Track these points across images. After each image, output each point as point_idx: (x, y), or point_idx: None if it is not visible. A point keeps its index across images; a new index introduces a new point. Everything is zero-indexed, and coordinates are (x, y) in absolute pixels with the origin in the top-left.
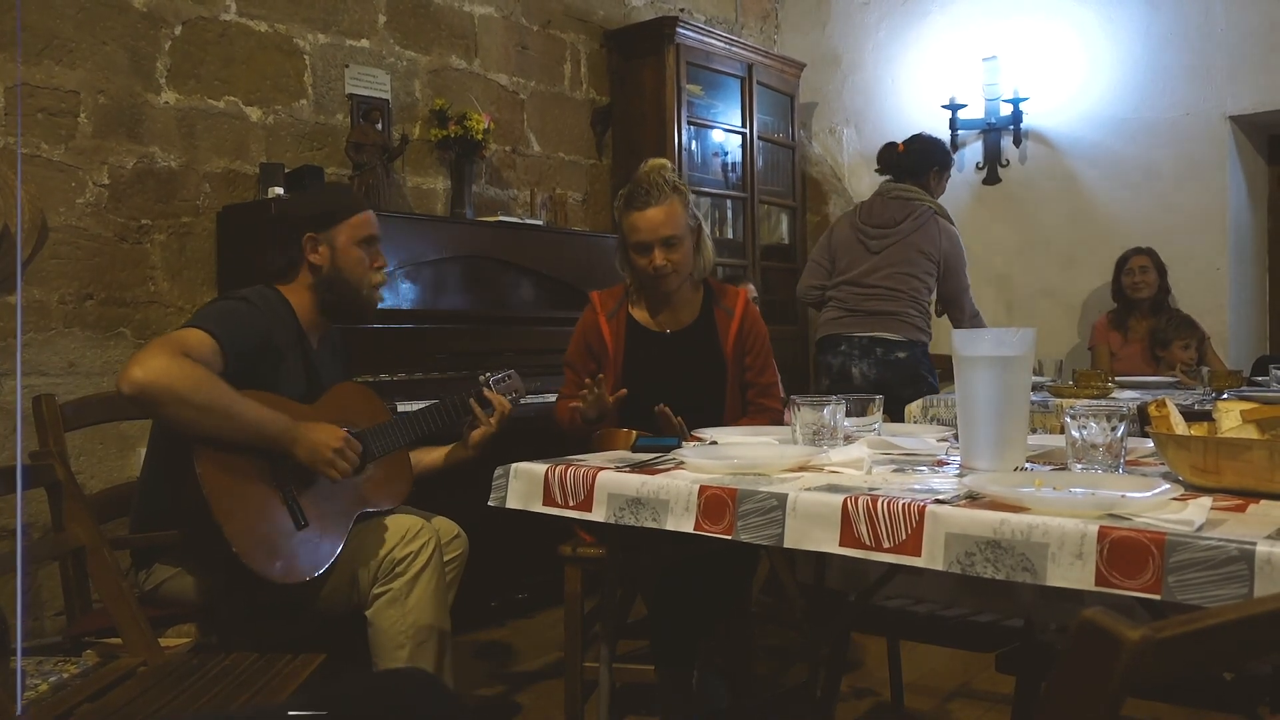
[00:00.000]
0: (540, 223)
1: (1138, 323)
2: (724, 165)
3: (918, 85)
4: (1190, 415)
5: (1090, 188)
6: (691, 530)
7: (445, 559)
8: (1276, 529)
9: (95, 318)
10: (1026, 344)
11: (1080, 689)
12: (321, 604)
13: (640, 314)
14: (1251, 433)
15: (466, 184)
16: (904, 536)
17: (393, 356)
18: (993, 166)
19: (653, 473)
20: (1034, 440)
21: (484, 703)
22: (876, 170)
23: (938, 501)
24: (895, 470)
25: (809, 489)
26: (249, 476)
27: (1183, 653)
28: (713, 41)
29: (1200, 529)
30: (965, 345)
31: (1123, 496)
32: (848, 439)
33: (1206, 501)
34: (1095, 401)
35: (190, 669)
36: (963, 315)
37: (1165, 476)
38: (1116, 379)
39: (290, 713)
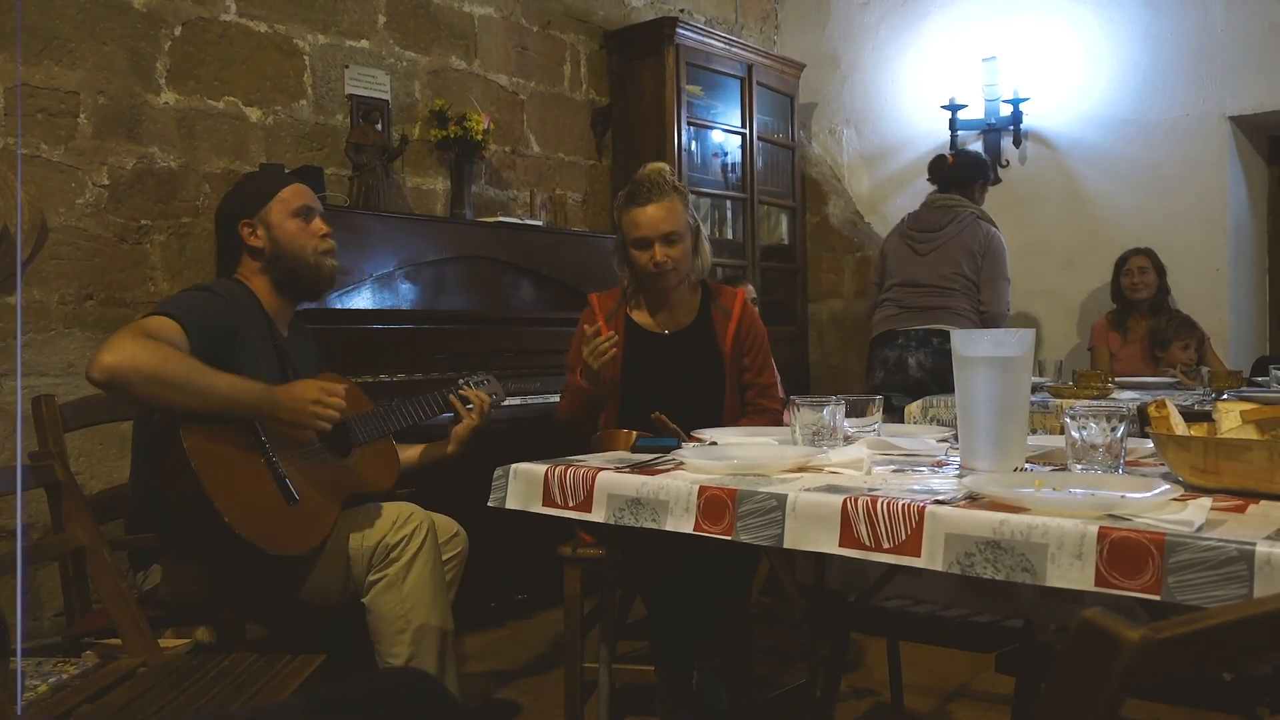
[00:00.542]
0: (540, 223)
1: (1137, 323)
2: (724, 166)
3: (917, 86)
4: (1190, 416)
5: (1090, 188)
6: (691, 531)
7: (445, 558)
8: (1276, 529)
9: (95, 318)
10: (1026, 345)
11: (1080, 689)
12: (318, 595)
13: (639, 315)
14: (1251, 433)
15: (466, 184)
16: (904, 537)
17: (392, 357)
18: (992, 167)
19: (652, 473)
20: (1034, 441)
21: (484, 703)
22: (927, 179)
23: (937, 502)
24: (895, 471)
25: (809, 489)
26: (237, 455)
27: (1182, 653)
28: (712, 42)
29: (1200, 529)
30: (965, 346)
31: (1122, 497)
32: (847, 440)
33: (1206, 502)
34: (1095, 402)
35: (190, 669)
36: (997, 305)
37: (1165, 477)
38: (1116, 380)
39: None
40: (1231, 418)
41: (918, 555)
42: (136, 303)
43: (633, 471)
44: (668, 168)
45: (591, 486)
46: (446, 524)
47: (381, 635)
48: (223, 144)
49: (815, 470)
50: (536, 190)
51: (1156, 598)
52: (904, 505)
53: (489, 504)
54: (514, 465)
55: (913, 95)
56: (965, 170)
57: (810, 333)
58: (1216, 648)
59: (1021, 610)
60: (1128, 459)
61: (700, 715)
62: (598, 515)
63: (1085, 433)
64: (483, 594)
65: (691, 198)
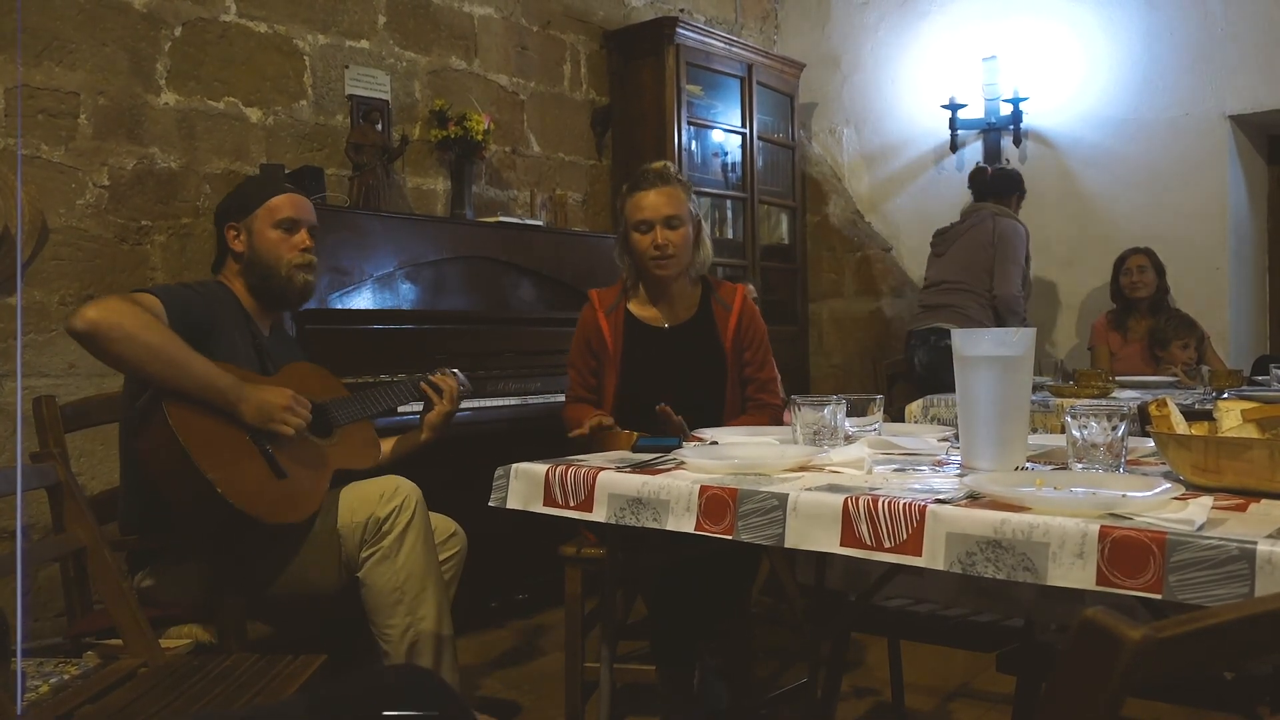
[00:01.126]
0: (540, 223)
1: (1137, 323)
2: (724, 165)
3: (917, 85)
4: (1191, 415)
5: (1090, 187)
6: (692, 530)
7: (443, 558)
8: (1277, 528)
9: None
10: (1026, 344)
11: (1081, 688)
12: (315, 579)
13: (639, 309)
14: (1252, 432)
15: (466, 184)
16: (904, 536)
17: (392, 357)
18: (993, 166)
19: (653, 473)
20: (1034, 440)
21: (485, 703)
22: (969, 189)
23: (938, 501)
24: (896, 470)
25: (810, 489)
26: (224, 432)
27: (1183, 652)
28: (712, 42)
29: (1201, 528)
30: (966, 345)
31: (1124, 496)
32: (848, 439)
33: (1207, 501)
34: (1096, 401)
35: (191, 670)
36: (1006, 288)
37: (1166, 476)
38: (1116, 379)
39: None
40: (1232, 417)
41: (919, 555)
42: None
43: (634, 471)
44: (672, 164)
45: (592, 486)
46: (444, 523)
47: (378, 608)
48: (223, 144)
49: (816, 470)
50: (536, 190)
51: (1158, 597)
52: (905, 504)
53: (490, 504)
54: (515, 465)
55: (913, 95)
56: (1002, 180)
57: (811, 332)
58: (1218, 647)
59: (1023, 610)
60: (1129, 458)
61: (701, 715)
62: (599, 515)
63: (1086, 432)
64: (483, 594)
65: (693, 195)
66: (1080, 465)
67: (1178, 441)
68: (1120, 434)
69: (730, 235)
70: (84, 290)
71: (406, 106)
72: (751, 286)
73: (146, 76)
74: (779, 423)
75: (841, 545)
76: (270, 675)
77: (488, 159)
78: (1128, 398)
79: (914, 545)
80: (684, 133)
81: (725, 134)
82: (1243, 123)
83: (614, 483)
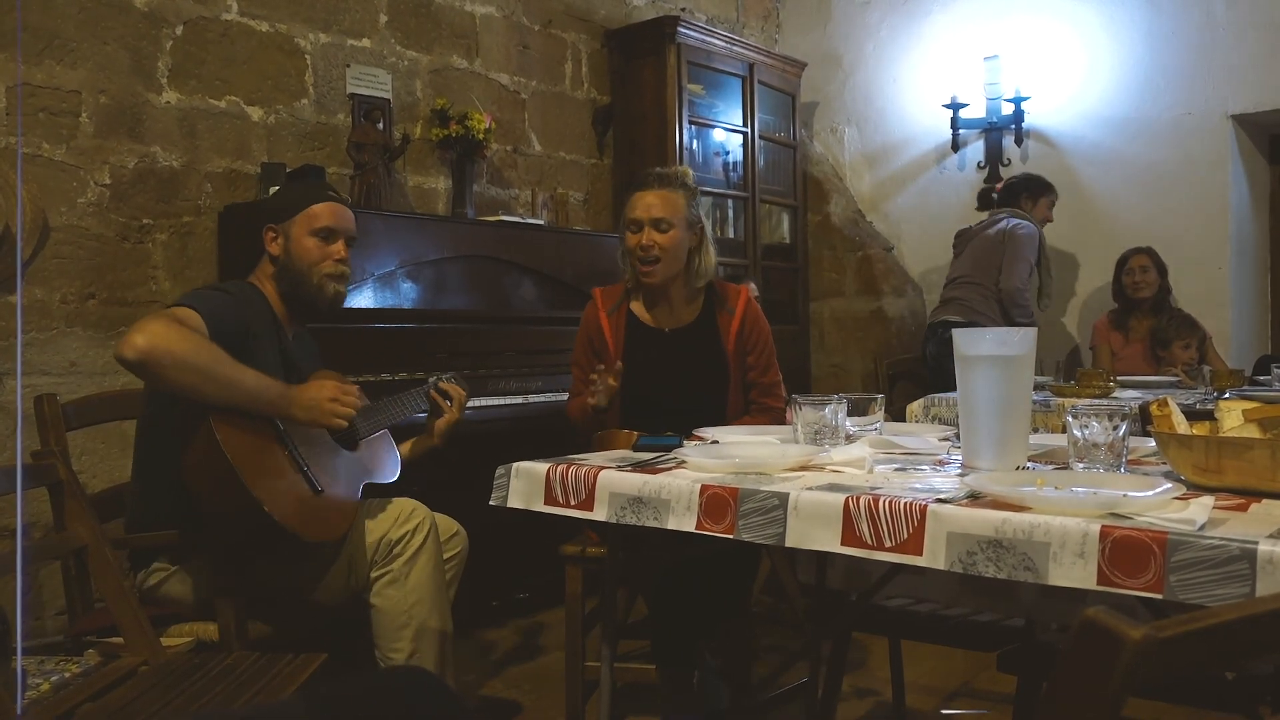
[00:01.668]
0: (541, 222)
1: (1139, 322)
2: (725, 165)
3: (919, 84)
4: (1192, 414)
5: (1091, 187)
6: (693, 529)
7: (445, 557)
8: (1278, 528)
9: (97, 317)
10: (1028, 344)
11: (1082, 688)
12: (322, 591)
13: (641, 311)
14: (1253, 432)
15: (468, 183)
16: (905, 536)
17: (394, 356)
18: (994, 166)
19: (654, 472)
20: (1035, 440)
21: (485, 703)
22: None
23: (939, 501)
24: (897, 470)
25: (810, 488)
26: (264, 446)
27: (1184, 652)
28: (714, 41)
29: (1202, 528)
30: (967, 345)
31: (1125, 496)
32: (849, 438)
33: (1208, 501)
34: (1097, 401)
35: (192, 668)
36: (1010, 281)
37: (1167, 476)
38: (1118, 379)
39: None
40: (1233, 416)
41: (919, 554)
42: (138, 302)
43: (634, 470)
44: (690, 171)
45: (593, 485)
46: (447, 524)
47: (384, 631)
48: (224, 143)
49: (817, 469)
50: (538, 189)
51: (1159, 596)
52: (906, 504)
53: (491, 503)
54: (516, 464)
55: (914, 94)
56: (1007, 190)
57: (812, 332)
58: (1219, 646)
59: (1023, 609)
60: (1130, 458)
61: (701, 715)
62: (599, 514)
63: (1087, 431)
64: (484, 593)
65: (702, 200)
66: (1081, 465)
67: (1179, 441)
68: (1121, 434)
69: (731, 234)
70: (85, 289)
71: (408, 105)
72: (753, 285)
73: (148, 75)
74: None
75: (842, 545)
76: (270, 674)
77: (489, 158)
78: (1129, 397)
79: (915, 545)
80: (685, 132)
81: (726, 133)
82: (1245, 122)
83: (615, 482)
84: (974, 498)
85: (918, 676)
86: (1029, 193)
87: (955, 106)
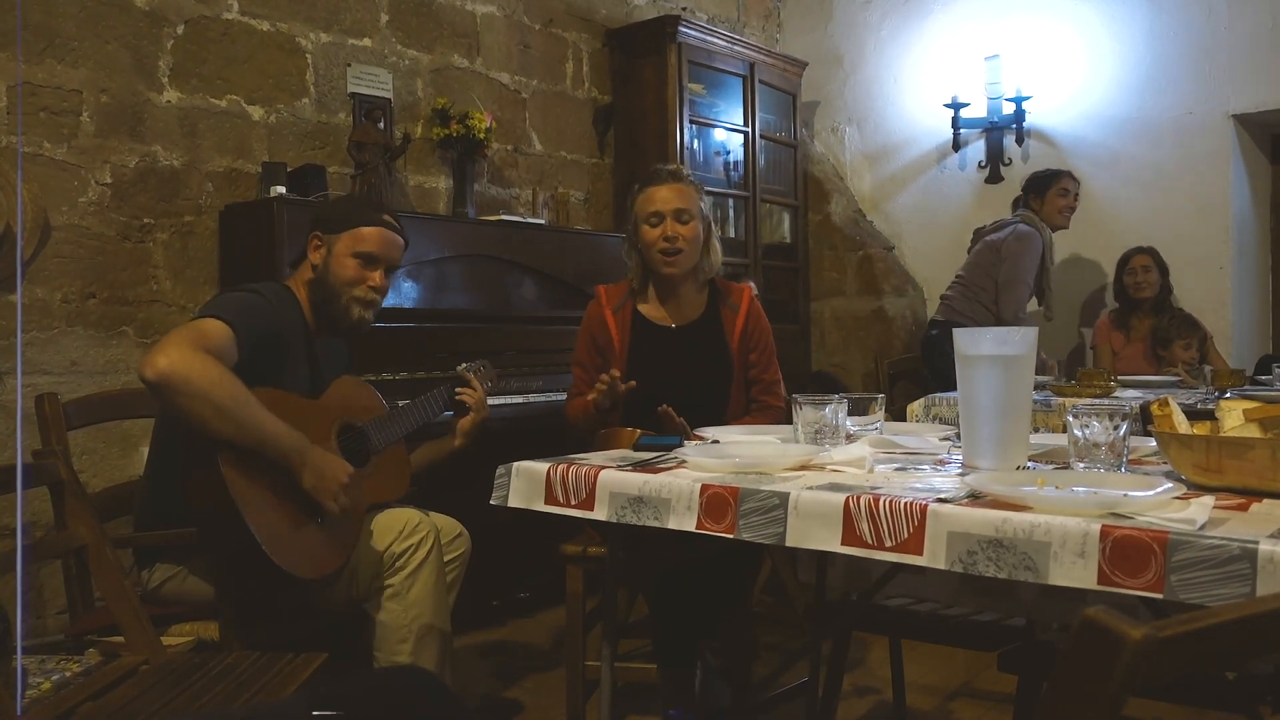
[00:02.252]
0: (542, 222)
1: (1140, 322)
2: (726, 164)
3: (920, 84)
4: (1193, 414)
5: (1093, 186)
6: (693, 529)
7: (447, 558)
8: (1279, 528)
9: (98, 317)
10: (1028, 343)
11: (1082, 688)
12: (322, 600)
13: (646, 308)
14: (1254, 432)
15: (468, 183)
16: (906, 535)
17: (395, 356)
18: (995, 165)
19: (654, 471)
20: (1036, 439)
21: (486, 702)
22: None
23: (940, 500)
24: (897, 469)
25: (811, 488)
26: (270, 473)
27: (1185, 652)
28: (714, 40)
29: (1203, 528)
30: (967, 344)
31: (1125, 495)
32: (849, 438)
33: (1209, 500)
34: (1098, 400)
35: (192, 667)
36: (1007, 301)
37: (1168, 475)
38: (1119, 378)
39: (315, 712)
40: (1234, 416)
41: (920, 554)
42: (139, 301)
43: (635, 470)
44: (685, 167)
45: (594, 485)
46: (450, 524)
47: (384, 643)
48: (225, 142)
49: (817, 469)
50: (539, 189)
51: (1159, 596)
52: (906, 503)
53: (491, 502)
54: (516, 463)
55: (915, 93)
56: (1019, 197)
57: (812, 331)
58: (1219, 646)
59: (1024, 609)
60: (1130, 457)
61: (702, 714)
62: (600, 513)
63: (1088, 431)
64: (485, 592)
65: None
66: (1082, 464)
67: (1180, 441)
68: (1122, 433)
69: (732, 234)
70: (86, 288)
71: (408, 105)
72: (753, 285)
73: (149, 74)
74: (781, 424)
75: (842, 544)
76: (271, 673)
77: (490, 157)
78: (1130, 397)
79: (915, 544)
80: (686, 131)
81: (727, 132)
82: (1246, 122)
83: (615, 481)
84: (974, 497)
85: (918, 676)
86: (1034, 191)
87: (956, 106)
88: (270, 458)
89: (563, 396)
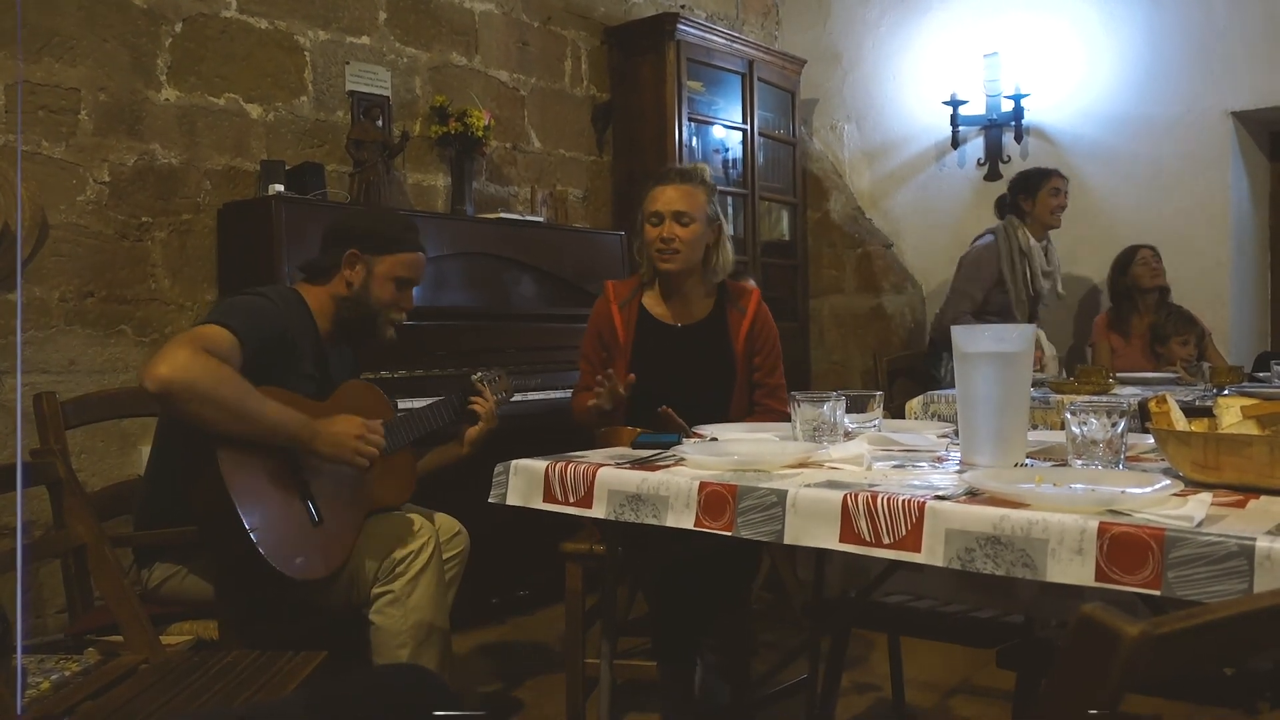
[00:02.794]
0: (541, 219)
1: (1138, 319)
2: (724, 162)
3: (919, 81)
4: (1191, 411)
5: (1091, 184)
6: (692, 527)
7: (446, 556)
8: (1276, 525)
9: (96, 315)
10: (1026, 340)
11: (1079, 685)
12: (321, 601)
13: (653, 305)
14: (1252, 429)
15: (467, 181)
16: (904, 532)
17: (394, 354)
18: (994, 163)
19: (653, 469)
20: (1034, 436)
21: (485, 700)
22: None
23: (938, 497)
24: (895, 466)
25: (809, 485)
26: (269, 474)
27: (1182, 648)
28: (713, 38)
29: (1200, 525)
30: (966, 342)
31: (1123, 492)
32: (848, 435)
33: (1206, 497)
34: (1096, 397)
35: (192, 666)
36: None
37: (1166, 472)
38: (1117, 375)
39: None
40: (1232, 413)
41: (918, 551)
42: (137, 300)
43: (633, 467)
44: (708, 168)
45: (592, 482)
46: (449, 523)
47: (382, 648)
48: (224, 141)
49: (815, 466)
50: (537, 186)
51: (1157, 593)
52: (904, 501)
53: (489, 500)
54: (514, 461)
55: (914, 91)
56: (999, 203)
57: (811, 329)
58: (1216, 643)
59: (1022, 606)
60: (1128, 454)
61: (701, 711)
62: (598, 511)
63: (1086, 428)
64: (484, 590)
65: (718, 197)
66: (1080, 462)
67: (1177, 438)
68: (1120, 430)
69: (731, 232)
70: (84, 287)
71: (407, 103)
72: (752, 283)
73: (147, 72)
74: None
75: (841, 541)
76: (270, 672)
77: (488, 155)
78: (1128, 394)
79: (913, 541)
80: (685, 129)
81: (726, 130)
82: (1245, 119)
83: (613, 479)
84: (972, 494)
85: (917, 673)
86: (1023, 192)
87: (955, 103)
88: (282, 445)
89: (562, 394)
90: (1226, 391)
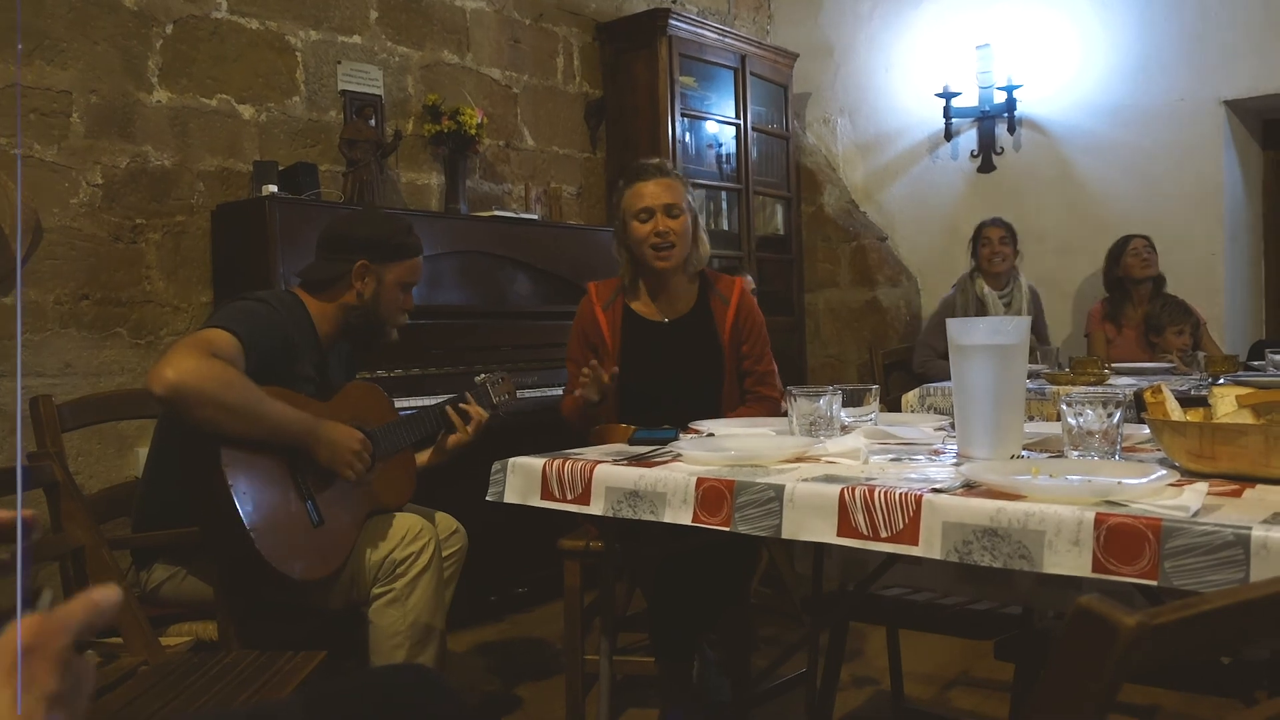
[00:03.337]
0: (535, 217)
1: (1133, 310)
2: (718, 157)
3: (911, 74)
4: (1186, 401)
5: (1085, 174)
6: (689, 522)
7: (444, 554)
8: (1272, 513)
9: (91, 318)
10: (1022, 332)
11: (1076, 676)
12: (321, 601)
13: (637, 304)
14: (1247, 418)
15: (460, 179)
16: (901, 526)
17: (390, 352)
18: (987, 154)
19: (650, 465)
20: (1030, 428)
21: (485, 697)
22: None
23: (935, 490)
24: (892, 460)
25: (806, 480)
26: (271, 475)
27: (1179, 638)
28: (705, 33)
29: (1196, 514)
30: (961, 334)
31: (1119, 483)
32: (844, 429)
33: (1202, 487)
34: (1091, 388)
35: (191, 668)
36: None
37: (1161, 462)
38: (1112, 366)
39: None
40: (1227, 402)
41: (915, 544)
42: (132, 302)
43: (630, 464)
44: (668, 160)
45: (589, 479)
46: (446, 521)
47: (379, 648)
48: (216, 142)
49: (812, 460)
50: (531, 184)
51: (1153, 583)
52: (901, 494)
53: (487, 498)
54: (512, 459)
55: (906, 83)
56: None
57: (807, 323)
58: (1213, 632)
59: (1020, 597)
60: (1124, 445)
61: (701, 707)
62: (596, 508)
63: (1082, 419)
64: (482, 588)
65: (690, 189)
66: (1076, 453)
67: (1173, 428)
68: (1116, 421)
69: (725, 226)
70: (79, 290)
71: (399, 101)
72: (749, 278)
73: (138, 74)
74: (777, 415)
75: (838, 535)
76: (270, 672)
77: (481, 153)
78: (1123, 384)
79: (911, 535)
80: (678, 124)
81: (719, 125)
82: (1238, 108)
83: (611, 476)
84: (969, 487)
85: (916, 665)
86: (972, 245)
87: (948, 95)
88: (286, 444)
89: (557, 391)
90: (1221, 381)
